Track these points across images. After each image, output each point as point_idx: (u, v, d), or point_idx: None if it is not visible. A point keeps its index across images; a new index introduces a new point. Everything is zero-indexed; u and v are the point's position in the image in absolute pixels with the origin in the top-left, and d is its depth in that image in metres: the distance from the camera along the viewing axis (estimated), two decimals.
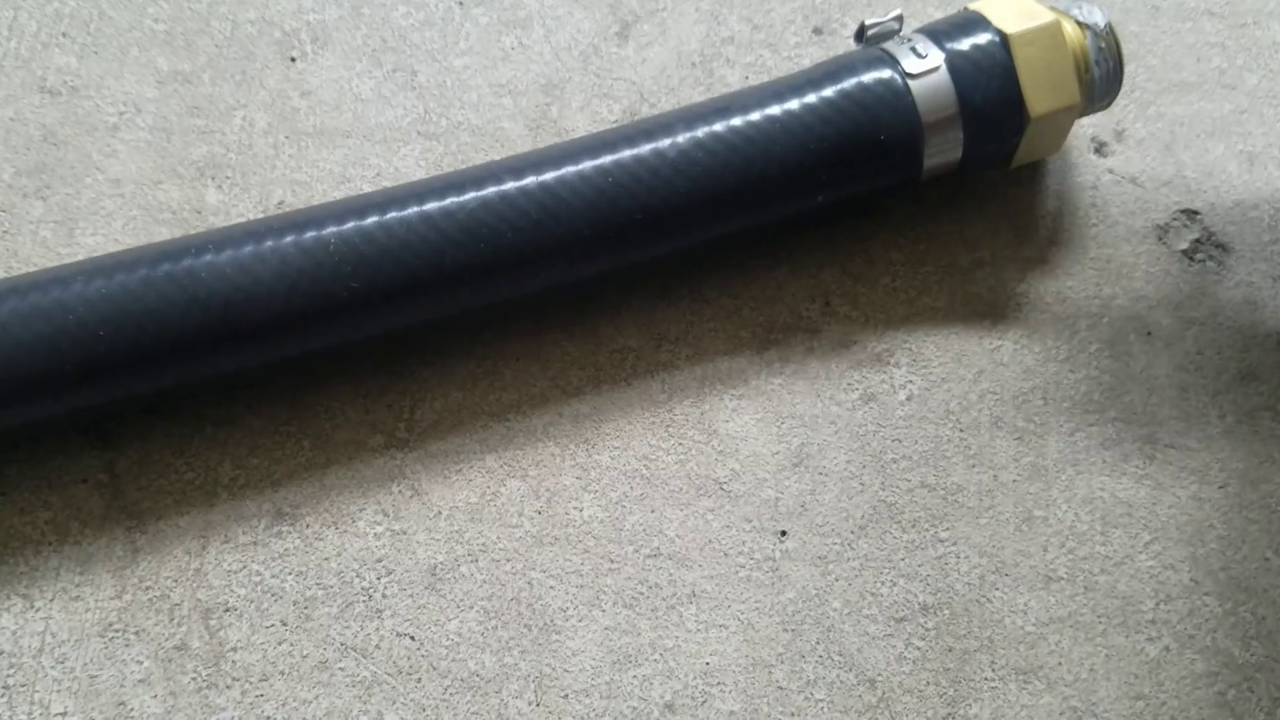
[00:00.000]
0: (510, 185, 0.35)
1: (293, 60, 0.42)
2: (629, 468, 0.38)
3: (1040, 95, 0.36)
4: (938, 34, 0.37)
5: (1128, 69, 0.43)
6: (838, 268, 0.41)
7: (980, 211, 0.41)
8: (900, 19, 0.38)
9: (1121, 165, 0.42)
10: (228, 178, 0.40)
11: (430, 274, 0.35)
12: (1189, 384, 0.39)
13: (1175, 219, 0.41)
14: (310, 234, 0.34)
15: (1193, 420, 0.39)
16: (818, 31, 0.43)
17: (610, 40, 0.43)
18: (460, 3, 0.43)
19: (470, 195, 0.35)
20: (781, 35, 0.43)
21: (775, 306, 0.40)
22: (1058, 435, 0.39)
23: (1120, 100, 0.42)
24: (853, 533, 0.37)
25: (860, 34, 0.38)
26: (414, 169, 0.41)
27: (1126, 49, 0.43)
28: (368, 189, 0.40)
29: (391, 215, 0.35)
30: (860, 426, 0.39)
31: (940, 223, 0.41)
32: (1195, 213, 0.41)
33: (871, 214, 0.41)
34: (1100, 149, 0.42)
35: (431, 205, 0.35)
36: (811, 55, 0.43)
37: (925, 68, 0.36)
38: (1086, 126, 0.42)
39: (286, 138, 0.41)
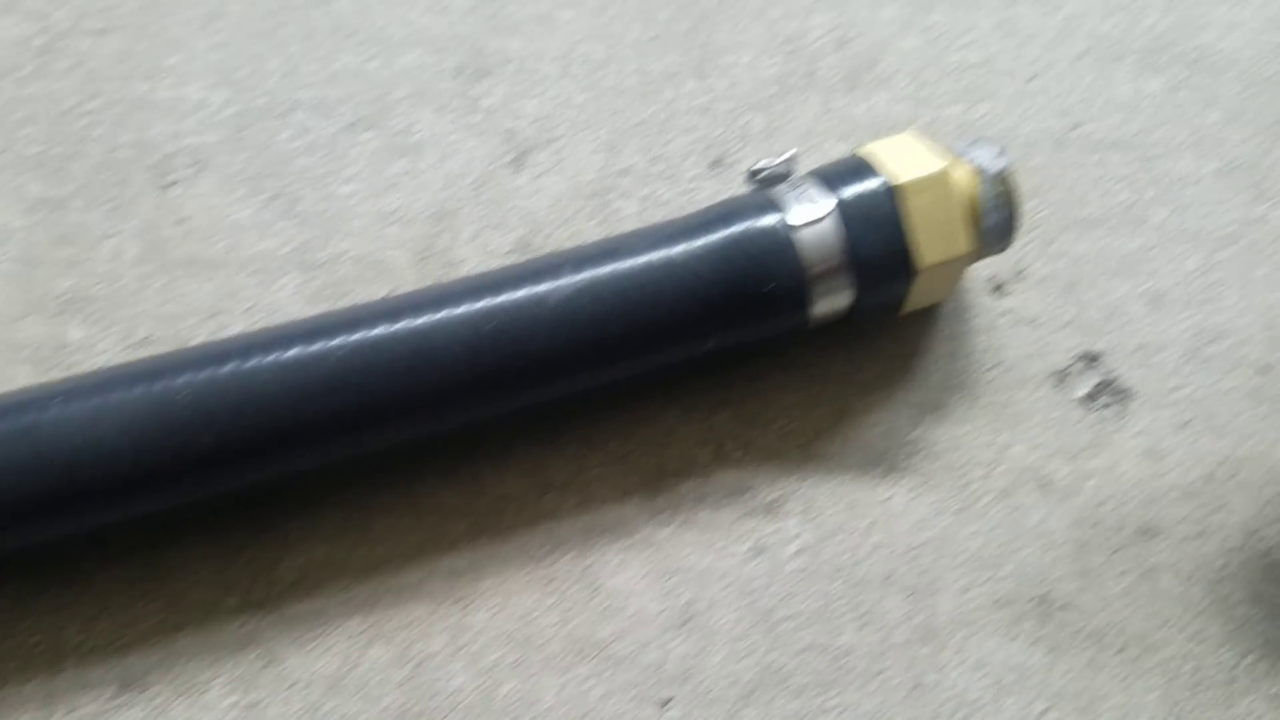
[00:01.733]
0: (381, 330, 0.32)
1: (168, 186, 0.40)
2: (505, 629, 0.35)
3: (929, 245, 0.34)
4: (826, 180, 0.35)
5: (1029, 205, 0.41)
6: (731, 410, 0.38)
7: (874, 353, 0.39)
8: (793, 160, 0.36)
9: (1020, 306, 0.40)
10: (93, 312, 0.37)
11: (293, 427, 0.32)
12: (1086, 540, 0.37)
13: (1075, 363, 0.39)
14: (160, 385, 0.32)
15: (1090, 579, 0.36)
16: (716, 164, 0.41)
17: (504, 169, 0.41)
18: (348, 127, 0.41)
19: (338, 341, 0.32)
20: (679, 168, 0.41)
21: (666, 451, 0.38)
22: (950, 593, 0.36)
23: (1021, 238, 0.40)
24: (739, 700, 0.34)
25: (752, 175, 0.36)
26: (290, 302, 0.38)
27: (1029, 184, 0.41)
28: (239, 324, 0.37)
29: (252, 363, 0.32)
30: (750, 582, 0.36)
31: (834, 364, 0.39)
32: (1096, 356, 0.39)
33: (765, 356, 0.39)
34: (998, 289, 0.40)
35: (296, 351, 0.32)
36: (709, 188, 0.41)
37: (811, 216, 0.34)
38: (984, 267, 0.40)
39: (156, 269, 0.38)
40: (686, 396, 0.38)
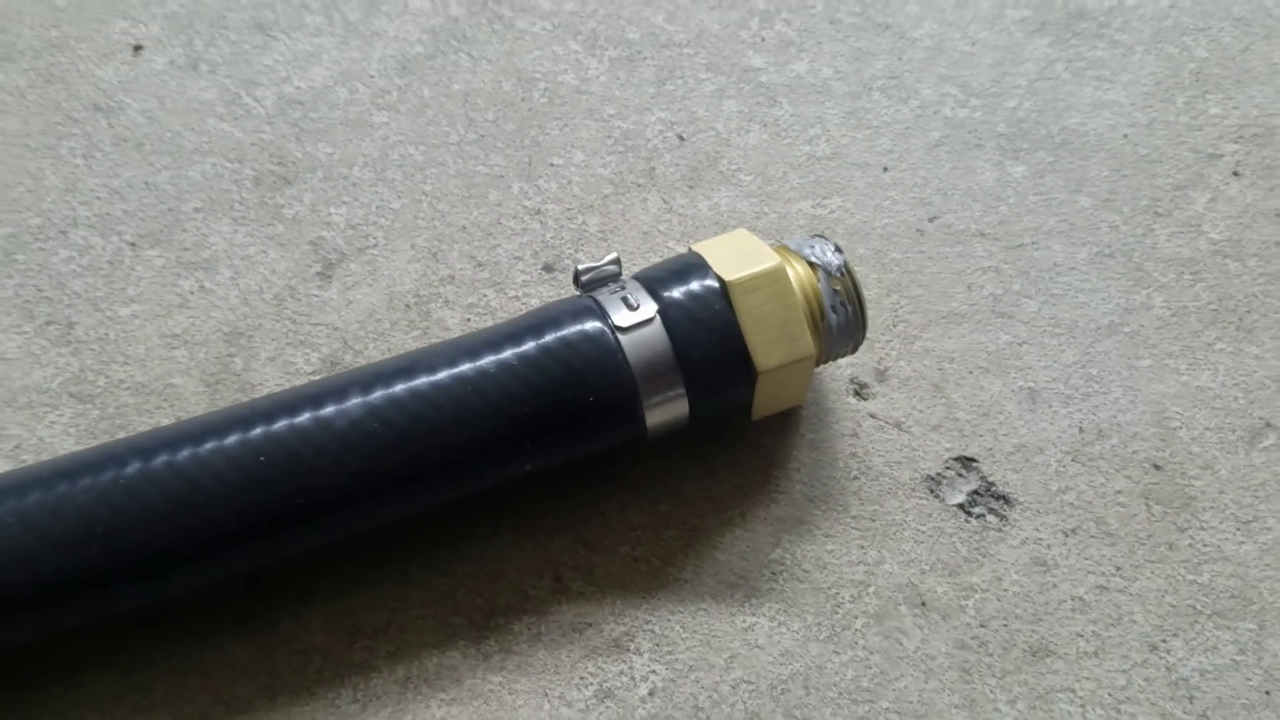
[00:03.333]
0: (133, 469, 0.36)
1: None
2: None
3: (767, 347, 0.40)
4: (654, 281, 0.41)
5: (888, 301, 0.48)
6: (570, 535, 0.43)
7: (730, 465, 0.44)
8: (618, 262, 0.42)
9: (884, 409, 0.46)
10: None
11: (30, 584, 0.35)
12: (971, 664, 0.41)
13: (948, 468, 0.45)
14: None
15: (978, 708, 0.41)
16: (548, 269, 0.47)
17: (310, 282, 0.46)
18: (131, 244, 0.46)
19: (82, 484, 0.36)
20: (508, 273, 0.47)
21: (496, 584, 0.42)
22: None
23: (883, 336, 0.47)
24: None
25: (576, 279, 0.42)
26: (61, 438, 0.42)
27: (887, 279, 0.48)
28: (3, 465, 0.41)
29: None
30: None
31: (685, 479, 0.44)
32: (971, 460, 0.45)
33: (607, 472, 0.44)
34: (860, 391, 0.46)
35: (33, 499, 0.35)
36: (542, 294, 0.47)
37: (636, 319, 0.40)
38: (844, 367, 0.46)
39: None
40: (520, 521, 0.43)
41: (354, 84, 0.51)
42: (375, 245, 0.47)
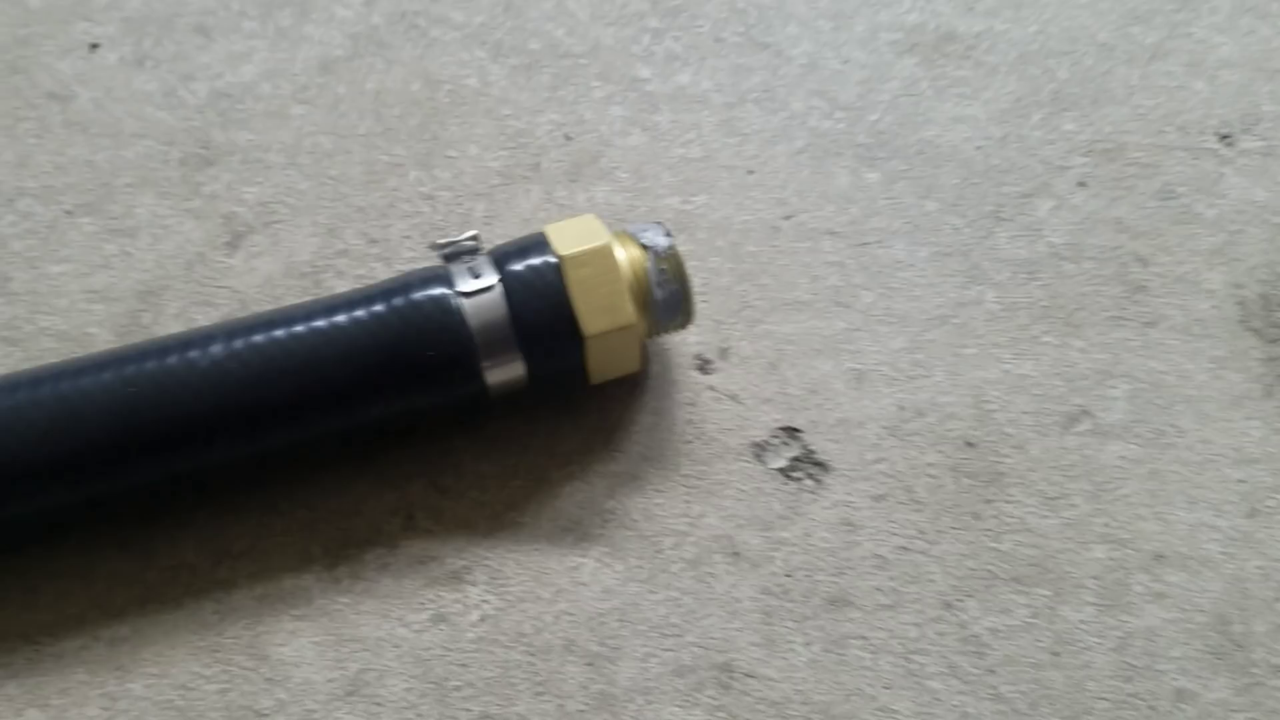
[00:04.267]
0: (23, 395, 0.41)
1: None
2: (162, 698, 0.42)
3: (593, 315, 0.44)
4: (502, 255, 0.45)
5: (740, 289, 0.52)
6: (426, 480, 0.47)
7: (575, 425, 0.48)
8: (476, 238, 0.47)
9: (723, 383, 0.50)
10: None
11: None
12: (774, 609, 0.45)
13: (775, 436, 0.49)
14: None
15: (775, 647, 0.44)
16: (433, 248, 0.52)
17: (219, 250, 0.51)
18: (68, 211, 0.52)
19: None
20: (397, 250, 0.52)
21: (354, 520, 0.46)
22: (630, 660, 0.44)
23: (729, 319, 0.51)
24: None
25: (437, 249, 0.47)
26: None
27: (741, 268, 0.52)
28: None
29: None
30: (426, 650, 0.44)
31: (534, 436, 0.48)
32: (796, 430, 0.49)
33: (463, 427, 0.48)
34: (704, 366, 0.50)
35: None
36: None
37: (478, 286, 0.44)
38: (692, 344, 0.50)
39: None
40: (381, 468, 0.47)
41: (278, 80, 0.56)
42: (280, 221, 0.52)
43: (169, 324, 0.49)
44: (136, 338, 0.49)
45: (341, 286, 0.51)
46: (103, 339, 0.49)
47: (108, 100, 0.55)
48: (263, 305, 0.50)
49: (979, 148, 0.56)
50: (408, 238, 0.52)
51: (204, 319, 0.50)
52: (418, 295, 0.44)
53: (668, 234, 0.46)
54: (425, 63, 0.57)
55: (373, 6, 0.59)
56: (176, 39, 0.57)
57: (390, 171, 0.54)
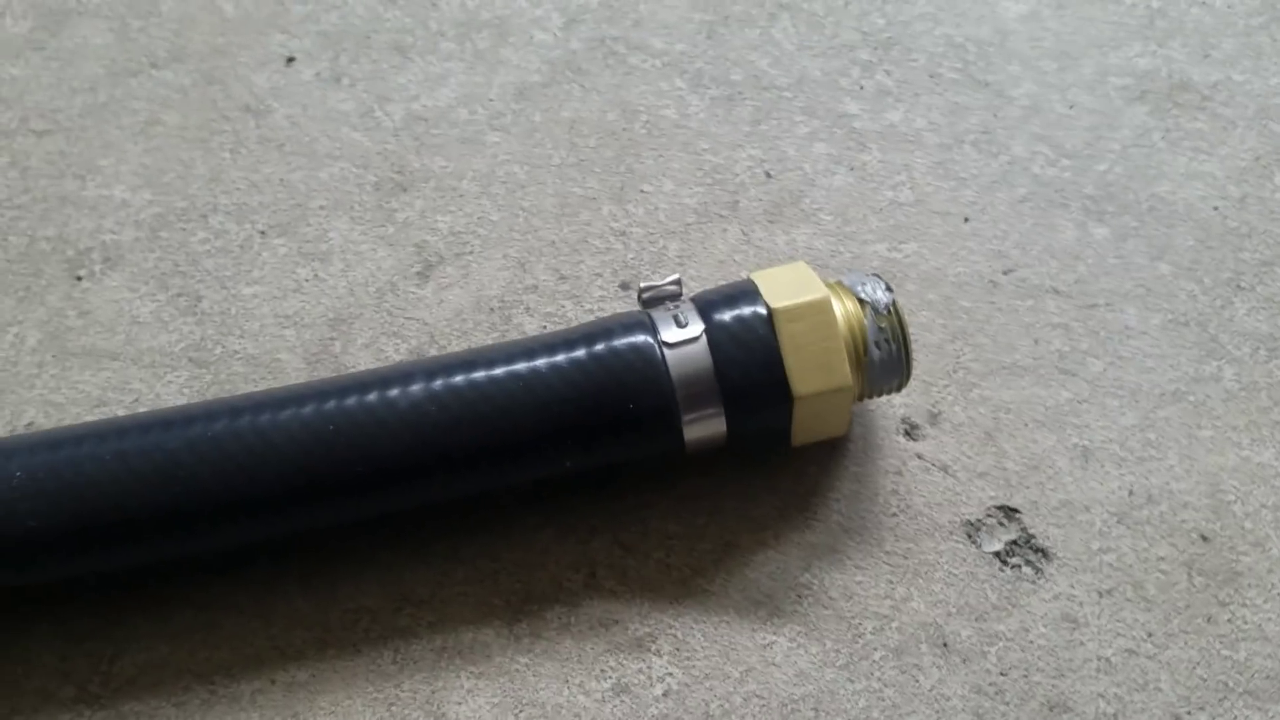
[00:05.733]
0: (221, 426, 0.39)
1: (79, 279, 0.49)
2: None
3: (805, 374, 0.41)
4: (708, 303, 0.42)
5: (953, 347, 0.47)
6: (609, 536, 0.44)
7: (771, 489, 0.45)
8: (679, 282, 0.43)
9: (933, 451, 0.45)
10: None
11: (118, 519, 0.38)
12: (986, 710, 0.40)
13: (990, 515, 0.44)
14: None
15: None
16: (625, 287, 0.49)
17: (410, 279, 0.49)
18: (262, 232, 0.50)
19: (174, 433, 0.39)
20: (587, 288, 0.49)
21: (535, 574, 0.43)
22: None
23: (940, 380, 0.46)
24: None
25: (639, 295, 0.44)
26: (175, 397, 0.46)
27: (954, 325, 0.48)
28: (123, 414, 0.45)
29: (84, 450, 0.39)
30: None
31: (726, 497, 0.44)
32: (1014, 510, 0.44)
33: (651, 482, 0.45)
34: (911, 432, 0.46)
35: (131, 441, 0.39)
36: (615, 310, 0.48)
37: (683, 337, 0.41)
38: (898, 406, 0.46)
39: (53, 357, 0.47)
40: (565, 518, 0.44)
41: (474, 105, 0.54)
42: (471, 252, 0.50)
43: (358, 354, 0.47)
44: (326, 366, 0.47)
45: (530, 323, 0.48)
46: (293, 366, 0.47)
47: (303, 118, 0.53)
48: (451, 339, 0.48)
49: (1216, 208, 0.51)
50: (599, 275, 0.49)
51: (393, 351, 0.47)
52: (620, 343, 0.41)
53: (888, 288, 0.42)
54: (622, 91, 0.54)
55: (571, 31, 0.56)
56: (373, 57, 0.55)
57: (583, 205, 0.51)
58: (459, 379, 0.40)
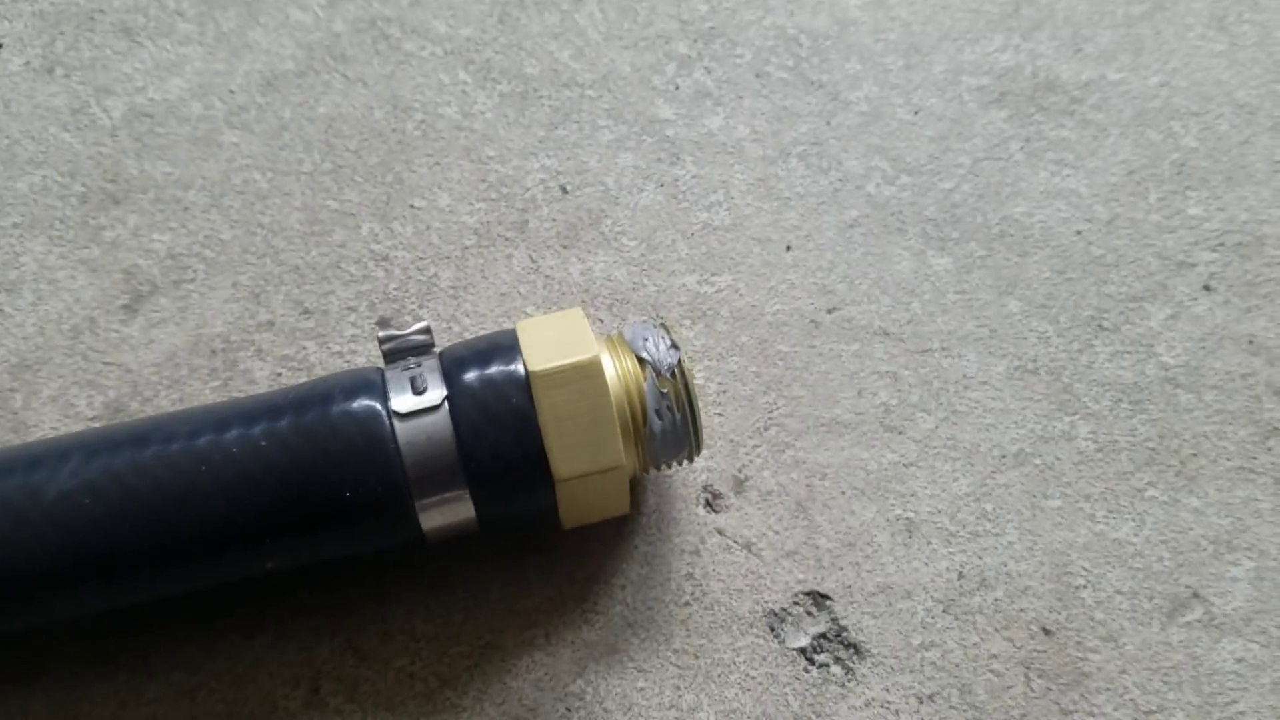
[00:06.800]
0: None
1: None
2: None
3: (569, 452, 0.33)
4: (456, 361, 0.34)
5: (765, 400, 0.40)
6: (341, 640, 0.36)
7: (545, 575, 0.37)
8: (428, 331, 0.35)
9: (736, 525, 0.38)
10: None
11: None
12: None
13: (797, 603, 0.37)
14: None
15: None
16: (383, 324, 0.40)
17: (114, 314, 0.40)
18: None
19: None
20: (336, 325, 0.41)
21: (244, 689, 0.35)
22: None
23: (749, 440, 0.39)
24: None
25: (381, 345, 0.35)
26: None
27: (769, 373, 0.41)
28: None
29: None
30: None
31: (489, 587, 0.37)
32: (825, 597, 0.37)
33: (398, 567, 0.37)
34: (713, 502, 0.38)
35: None
36: (369, 353, 0.40)
37: (419, 405, 0.33)
38: (699, 472, 0.39)
39: None
40: (287, 618, 0.36)
41: (210, 98, 0.44)
42: (193, 279, 0.41)
43: (42, 409, 0.38)
44: (1, 425, 0.38)
45: (260, 371, 0.39)
46: None
47: (4, 116, 0.44)
48: (159, 389, 0.39)
49: (1079, 232, 0.44)
50: (352, 309, 0.41)
51: (85, 405, 0.38)
52: (336, 411, 0.33)
53: (674, 345, 0.35)
54: (394, 84, 0.45)
55: (336, 9, 0.47)
56: (95, 41, 0.45)
57: (338, 222, 0.42)
58: (120, 460, 0.32)
